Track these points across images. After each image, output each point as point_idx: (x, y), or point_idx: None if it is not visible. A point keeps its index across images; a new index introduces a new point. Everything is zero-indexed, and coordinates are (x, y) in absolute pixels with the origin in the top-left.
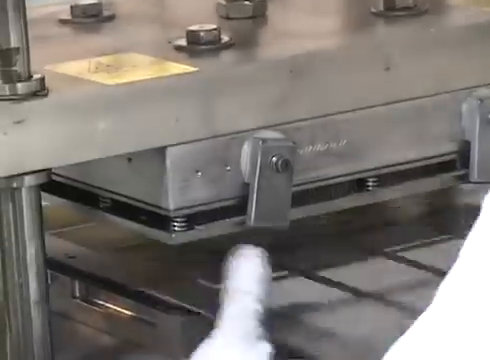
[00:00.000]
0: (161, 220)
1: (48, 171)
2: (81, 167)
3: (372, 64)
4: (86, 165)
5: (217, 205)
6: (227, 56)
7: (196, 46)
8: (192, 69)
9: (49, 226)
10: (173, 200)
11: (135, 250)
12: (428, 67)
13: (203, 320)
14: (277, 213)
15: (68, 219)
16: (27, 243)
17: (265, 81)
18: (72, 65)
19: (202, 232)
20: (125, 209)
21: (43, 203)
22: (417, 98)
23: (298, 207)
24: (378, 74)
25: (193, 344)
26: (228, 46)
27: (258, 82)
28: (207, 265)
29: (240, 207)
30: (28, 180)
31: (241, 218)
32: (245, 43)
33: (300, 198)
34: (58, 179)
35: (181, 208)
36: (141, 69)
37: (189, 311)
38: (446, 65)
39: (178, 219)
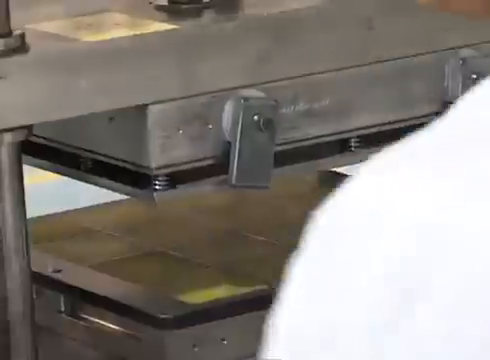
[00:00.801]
0: (143, 179)
1: (28, 128)
2: (62, 128)
3: (355, 24)
4: (67, 125)
5: (199, 164)
6: (209, 15)
7: (177, 5)
8: (173, 27)
9: (34, 240)
10: (154, 158)
11: (121, 264)
12: (411, 27)
13: (189, 335)
14: (259, 172)
15: (53, 233)
16: (12, 257)
17: (247, 40)
18: (53, 24)
19: (184, 191)
20: (106, 169)
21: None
22: (400, 58)
23: (280, 167)
24: (361, 34)
25: (178, 359)
26: (210, 6)
27: (240, 41)
28: (194, 279)
29: (222, 166)
30: (8, 137)
31: (223, 177)
32: (227, 3)
33: (282, 158)
34: (38, 140)
35: (163, 167)
36: (122, 27)
37: (174, 325)
38: (429, 25)
39: (160, 178)
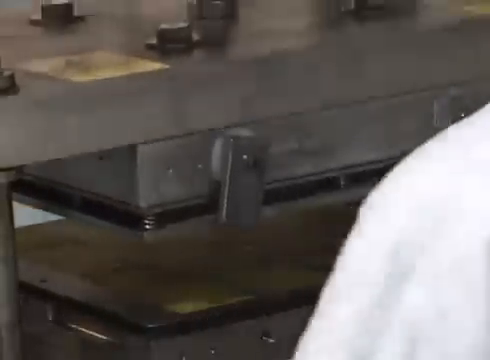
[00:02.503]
0: (132, 218)
1: (18, 169)
2: (52, 166)
3: (343, 63)
4: (57, 164)
5: (188, 203)
6: (198, 54)
7: (167, 45)
8: (162, 67)
9: (21, 249)
10: (144, 198)
11: (108, 273)
12: (399, 66)
13: (176, 344)
14: (249, 211)
15: (40, 242)
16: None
17: (236, 79)
18: (43, 63)
19: (173, 230)
20: (96, 208)
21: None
22: (388, 97)
23: (270, 205)
24: (349, 73)
25: None
26: (200, 44)
27: (229, 80)
28: (181, 289)
29: (212, 205)
30: None
31: (213, 216)
32: (216, 42)
33: (272, 196)
34: (29, 178)
35: (152, 206)
36: (112, 67)
37: (161, 335)
38: (417, 64)
39: (149, 217)
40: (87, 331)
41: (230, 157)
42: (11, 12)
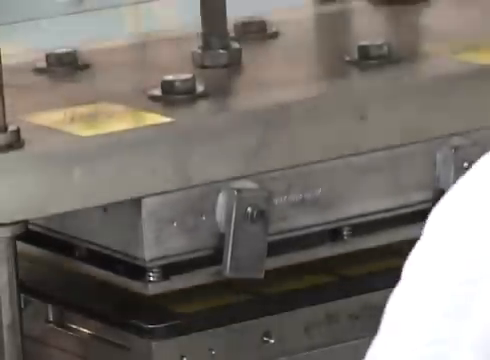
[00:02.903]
0: (136, 270)
1: (24, 222)
2: (56, 216)
3: (346, 114)
4: (62, 215)
5: (193, 255)
6: (202, 106)
7: (171, 96)
8: (167, 120)
9: None
10: (148, 251)
11: None
12: (402, 116)
13: (177, 345)
14: (253, 263)
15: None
16: (0, 267)
17: (239, 131)
18: (47, 115)
19: (178, 283)
20: (100, 259)
21: None
22: (391, 147)
23: (274, 257)
24: (352, 123)
25: None
26: (203, 96)
27: (233, 132)
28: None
29: (216, 257)
30: (3, 231)
31: (217, 268)
32: (220, 93)
33: (275, 248)
34: (33, 228)
35: (156, 259)
36: (116, 120)
37: (162, 335)
38: (420, 114)
39: (153, 270)
40: (88, 331)
41: (234, 209)
42: (15, 59)
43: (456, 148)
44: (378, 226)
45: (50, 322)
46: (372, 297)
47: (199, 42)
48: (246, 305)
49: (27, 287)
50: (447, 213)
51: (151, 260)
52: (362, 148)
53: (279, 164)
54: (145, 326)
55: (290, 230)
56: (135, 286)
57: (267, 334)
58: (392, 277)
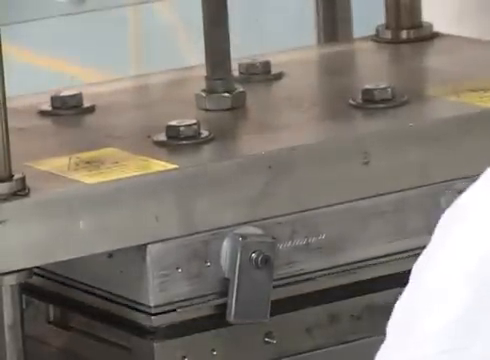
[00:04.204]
0: (141, 316)
1: (29, 270)
2: (61, 262)
3: (351, 158)
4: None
5: (197, 301)
6: (207, 151)
7: (176, 141)
8: (172, 166)
9: None
10: (153, 297)
11: None
12: (407, 160)
13: (179, 345)
14: (257, 309)
15: None
16: None
17: (244, 177)
18: (52, 162)
19: (182, 328)
20: (105, 305)
21: None
22: (396, 192)
23: (278, 301)
24: (357, 168)
25: None
26: (207, 141)
27: (237, 178)
28: None
29: (220, 303)
30: (9, 279)
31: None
32: (224, 137)
33: (279, 292)
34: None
35: (161, 305)
36: (121, 166)
37: (164, 336)
38: (425, 158)
39: (158, 315)
40: (90, 332)
41: (239, 255)
42: (20, 101)
43: (461, 192)
44: (383, 269)
45: (51, 322)
46: (374, 298)
47: (203, 85)
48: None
49: (29, 287)
50: (455, 216)
51: (156, 306)
52: (366, 193)
53: (284, 209)
54: (147, 326)
55: (295, 275)
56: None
57: (269, 335)
58: (394, 278)
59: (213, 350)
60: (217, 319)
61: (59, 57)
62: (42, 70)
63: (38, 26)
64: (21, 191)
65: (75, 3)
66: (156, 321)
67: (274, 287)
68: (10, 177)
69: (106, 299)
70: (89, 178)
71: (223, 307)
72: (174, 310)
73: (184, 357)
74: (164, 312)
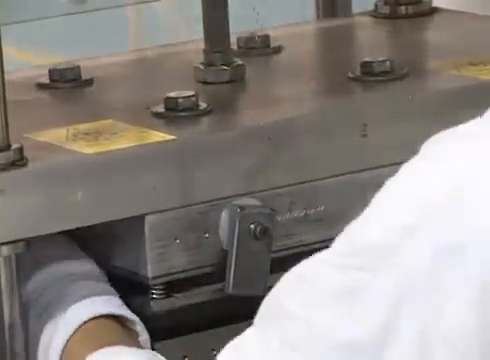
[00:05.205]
0: (140, 288)
1: (26, 241)
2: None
3: (350, 130)
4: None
5: (196, 272)
6: (205, 123)
7: (174, 113)
8: (170, 137)
9: None
10: (151, 268)
11: None
12: (405, 133)
13: (179, 345)
14: (256, 280)
15: None
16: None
17: (243, 148)
18: (50, 133)
19: (180, 300)
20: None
21: None
22: (394, 164)
23: (277, 274)
24: (356, 140)
25: None
26: (206, 113)
27: (236, 149)
28: None
29: (219, 274)
30: (6, 250)
31: (220, 285)
32: (223, 109)
33: (278, 264)
34: None
35: (159, 276)
36: (119, 137)
37: (163, 335)
38: (423, 130)
39: (156, 287)
40: None
41: (237, 226)
42: (18, 74)
43: None
44: None
45: None
46: None
47: (201, 57)
48: (248, 305)
49: None
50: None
51: (154, 277)
52: (365, 165)
53: (282, 181)
54: (147, 326)
55: (293, 247)
56: (138, 304)
57: None
58: None
59: (213, 350)
60: (217, 319)
61: (59, 57)
62: None
63: (38, 25)
64: (19, 161)
65: (75, 3)
66: (154, 294)
67: (272, 259)
68: (8, 147)
69: (105, 270)
70: (87, 148)
71: (223, 306)
72: (172, 281)
73: (184, 357)
74: (162, 284)
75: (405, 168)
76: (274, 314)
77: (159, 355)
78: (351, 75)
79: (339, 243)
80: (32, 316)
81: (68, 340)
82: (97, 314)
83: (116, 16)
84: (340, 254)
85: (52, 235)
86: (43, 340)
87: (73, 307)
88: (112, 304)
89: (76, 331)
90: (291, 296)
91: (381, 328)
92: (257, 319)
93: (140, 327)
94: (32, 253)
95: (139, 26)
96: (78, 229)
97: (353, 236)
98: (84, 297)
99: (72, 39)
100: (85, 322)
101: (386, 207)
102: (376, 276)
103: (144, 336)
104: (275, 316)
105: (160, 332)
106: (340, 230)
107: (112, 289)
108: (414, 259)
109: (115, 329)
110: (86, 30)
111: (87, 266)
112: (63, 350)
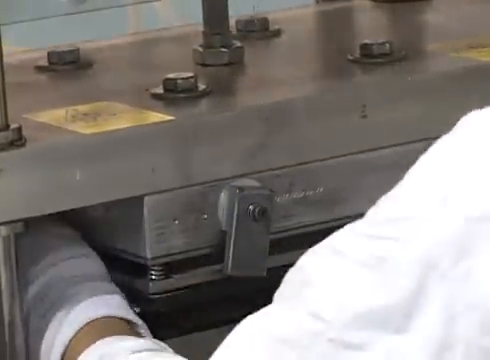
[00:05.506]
0: (139, 269)
1: (25, 221)
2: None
3: (349, 111)
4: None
5: (194, 253)
6: (203, 104)
7: (173, 94)
8: (168, 118)
9: None
10: (150, 249)
11: None
12: (405, 114)
13: (177, 345)
14: (254, 261)
15: None
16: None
17: (241, 129)
18: (49, 114)
19: (179, 281)
20: (103, 257)
21: None
22: (394, 145)
23: (275, 255)
24: (355, 121)
25: None
26: (204, 94)
27: (234, 130)
28: None
29: (217, 255)
30: (4, 230)
31: (218, 266)
32: (221, 91)
33: (277, 246)
34: None
35: (158, 257)
36: (118, 118)
37: (163, 335)
38: (423, 112)
39: (155, 268)
40: None
41: (236, 207)
42: (16, 57)
43: None
44: None
45: None
46: None
47: (200, 40)
48: (248, 304)
49: None
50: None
51: (153, 258)
52: (364, 146)
53: (281, 162)
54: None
55: (292, 228)
56: (137, 284)
57: None
58: None
59: (213, 350)
60: (217, 318)
61: None
62: None
63: (37, 25)
64: (17, 141)
65: (75, 3)
66: (153, 275)
67: (271, 241)
68: (6, 127)
69: (104, 252)
70: (86, 129)
71: (223, 306)
72: (171, 262)
73: (184, 356)
74: (161, 264)
75: (438, 144)
76: (299, 285)
77: (162, 343)
78: (350, 57)
79: (370, 214)
80: (36, 316)
81: (71, 340)
82: (100, 315)
83: (116, 16)
84: (371, 224)
85: (55, 228)
86: (46, 340)
87: (77, 308)
88: (116, 306)
89: (79, 331)
90: (319, 265)
91: (411, 296)
92: (281, 289)
93: (143, 329)
94: (36, 253)
95: (139, 26)
96: (77, 211)
97: (384, 207)
98: (88, 298)
99: (72, 39)
100: (88, 323)
101: (418, 179)
102: (407, 245)
103: (147, 337)
104: (301, 286)
105: (159, 331)
106: (339, 211)
107: (117, 289)
108: (445, 227)
109: (118, 330)
110: (86, 30)
111: (93, 266)
112: (65, 350)
